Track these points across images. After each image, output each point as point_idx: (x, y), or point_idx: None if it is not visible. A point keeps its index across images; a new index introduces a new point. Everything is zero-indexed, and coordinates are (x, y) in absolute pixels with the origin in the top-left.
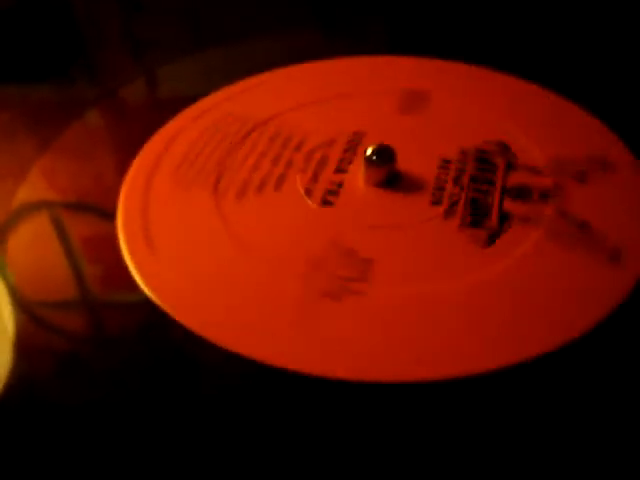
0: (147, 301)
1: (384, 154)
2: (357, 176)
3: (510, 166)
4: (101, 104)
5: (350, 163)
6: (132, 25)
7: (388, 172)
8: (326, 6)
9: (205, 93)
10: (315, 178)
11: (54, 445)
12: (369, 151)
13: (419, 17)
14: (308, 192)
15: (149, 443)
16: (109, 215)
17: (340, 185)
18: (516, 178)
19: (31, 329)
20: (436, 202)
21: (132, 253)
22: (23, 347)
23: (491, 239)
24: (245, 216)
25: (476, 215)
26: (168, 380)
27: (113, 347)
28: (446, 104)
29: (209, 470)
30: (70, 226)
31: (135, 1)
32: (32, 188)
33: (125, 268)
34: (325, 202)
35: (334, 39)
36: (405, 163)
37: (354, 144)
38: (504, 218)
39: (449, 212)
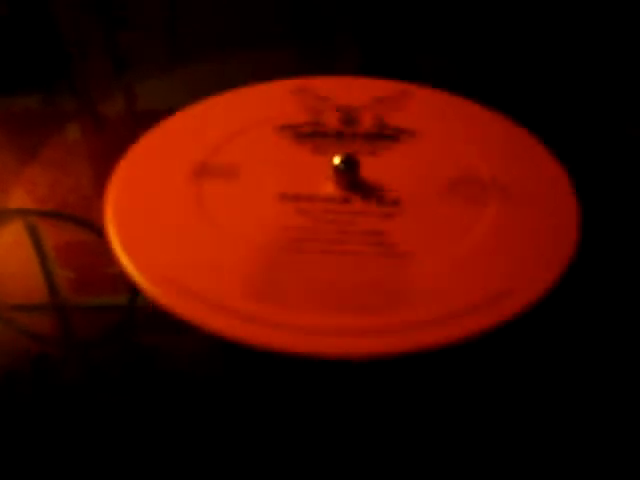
0: (119, 306)
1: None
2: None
3: None
4: (81, 117)
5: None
6: (114, 41)
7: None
8: (304, 24)
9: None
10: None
11: (24, 445)
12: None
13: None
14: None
15: (118, 445)
16: (84, 223)
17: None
18: None
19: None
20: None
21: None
22: None
23: None
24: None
25: None
26: (138, 383)
27: (83, 350)
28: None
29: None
30: (46, 234)
31: (120, 17)
32: (11, 197)
33: (97, 274)
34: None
35: (309, 56)
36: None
37: None
38: None
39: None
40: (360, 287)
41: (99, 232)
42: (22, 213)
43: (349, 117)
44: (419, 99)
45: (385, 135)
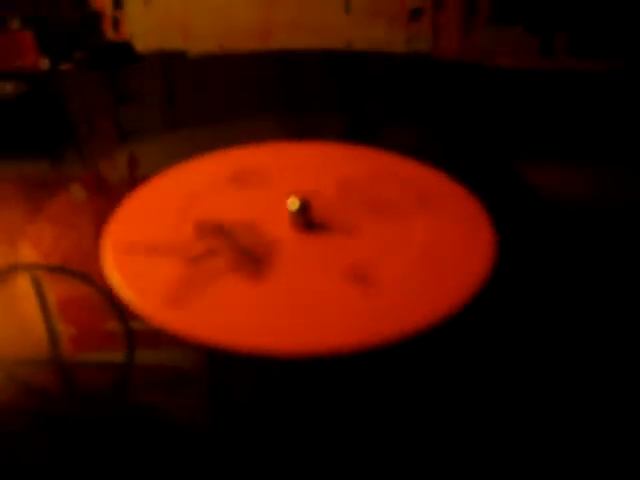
0: (120, 364)
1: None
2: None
3: None
4: (85, 180)
5: None
6: (117, 114)
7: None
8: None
9: None
10: None
11: None
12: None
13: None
14: None
15: None
16: (85, 278)
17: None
18: None
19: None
20: None
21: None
22: None
23: None
24: None
25: None
26: (135, 441)
27: (86, 406)
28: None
29: None
30: (49, 288)
31: (122, 94)
32: (18, 250)
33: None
34: None
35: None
36: None
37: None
38: None
39: None
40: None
41: (98, 287)
42: (28, 268)
43: None
44: None
45: None
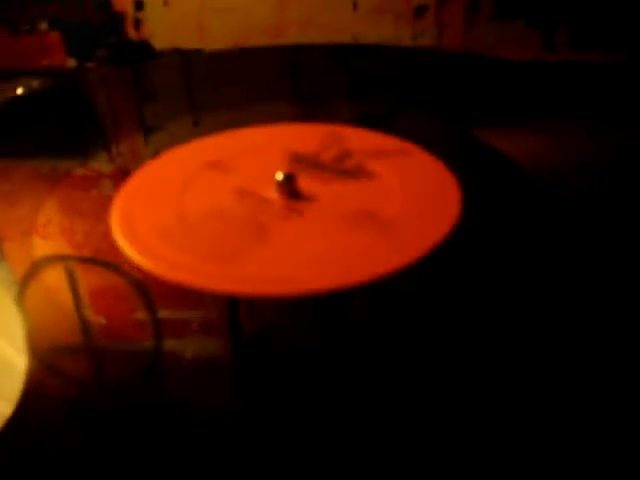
0: (148, 353)
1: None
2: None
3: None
4: (114, 176)
5: None
6: (142, 112)
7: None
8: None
9: None
10: None
11: None
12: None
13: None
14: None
15: None
16: (115, 268)
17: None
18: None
19: (41, 372)
20: None
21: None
22: (33, 389)
23: None
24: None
25: None
26: (164, 429)
27: (118, 394)
28: None
29: None
30: (82, 278)
31: (144, 90)
32: (53, 243)
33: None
34: None
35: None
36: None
37: None
38: None
39: None
40: None
41: (127, 276)
42: (62, 259)
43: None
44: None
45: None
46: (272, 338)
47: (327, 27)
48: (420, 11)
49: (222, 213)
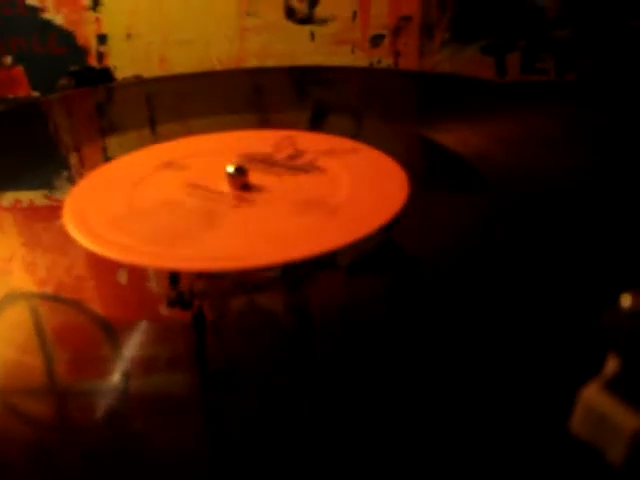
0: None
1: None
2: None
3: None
4: None
5: None
6: (103, 139)
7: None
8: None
9: None
10: None
11: None
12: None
13: None
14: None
15: None
16: (78, 306)
17: None
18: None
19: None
20: None
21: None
22: None
23: None
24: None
25: None
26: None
27: (80, 435)
28: None
29: None
30: (44, 315)
31: (109, 124)
32: (15, 278)
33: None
34: None
35: None
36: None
37: None
38: None
39: None
40: None
41: (91, 314)
42: (26, 297)
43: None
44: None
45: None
46: (239, 371)
47: (285, 57)
48: (376, 40)
49: (173, 203)
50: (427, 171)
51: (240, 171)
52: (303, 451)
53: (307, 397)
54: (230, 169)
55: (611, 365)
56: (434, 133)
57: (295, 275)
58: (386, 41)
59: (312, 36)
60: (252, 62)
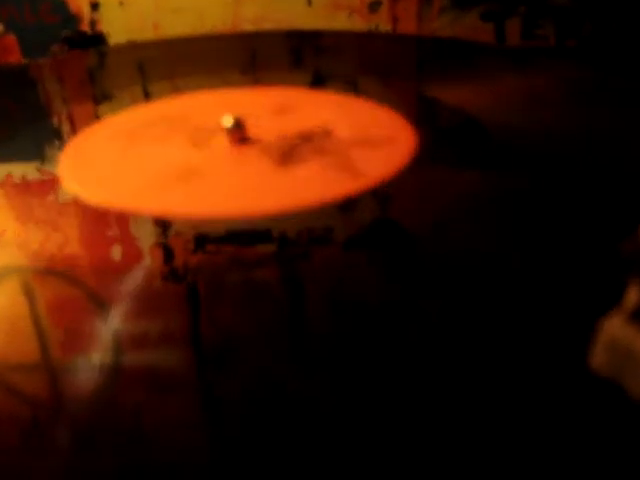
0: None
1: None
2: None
3: None
4: None
5: None
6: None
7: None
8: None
9: None
10: None
11: None
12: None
13: None
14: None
15: None
16: (72, 279)
17: None
18: None
19: None
20: None
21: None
22: None
23: None
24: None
25: None
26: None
27: (73, 412)
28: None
29: None
30: (38, 291)
31: (104, 93)
32: (7, 252)
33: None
34: None
35: None
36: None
37: None
38: None
39: None
40: None
41: (85, 288)
42: (18, 271)
43: None
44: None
45: None
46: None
47: (282, 23)
48: (374, 6)
49: (166, 155)
50: (431, 126)
51: (238, 124)
52: (298, 431)
53: (300, 375)
54: (228, 122)
55: (633, 295)
56: (435, 92)
57: (291, 251)
58: (384, 7)
59: (309, 1)
60: (248, 28)
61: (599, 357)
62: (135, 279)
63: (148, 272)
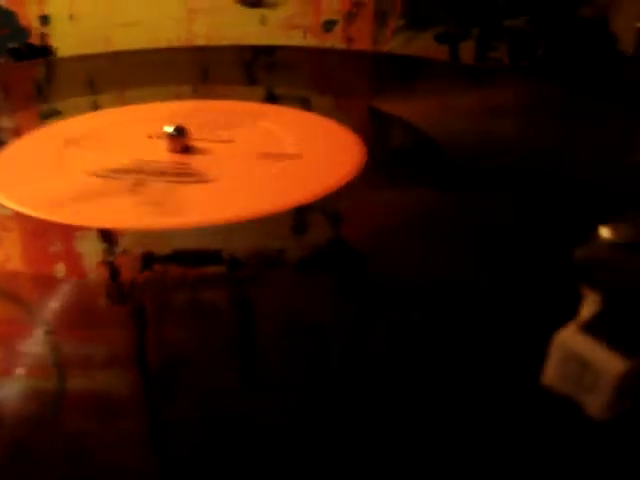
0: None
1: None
2: None
3: None
4: None
5: None
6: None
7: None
8: None
9: None
10: None
11: None
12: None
13: None
14: None
15: None
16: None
17: None
18: None
19: None
20: None
21: None
22: None
23: None
24: None
25: None
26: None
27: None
28: None
29: None
30: None
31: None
32: None
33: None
34: None
35: None
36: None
37: None
38: None
39: None
40: None
41: (28, 308)
42: None
43: None
44: None
45: None
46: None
47: (235, 40)
48: (328, 25)
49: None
50: (379, 138)
51: (180, 131)
52: (247, 454)
53: (250, 398)
54: (169, 129)
55: (588, 305)
56: (386, 106)
57: (242, 271)
58: (339, 27)
59: (263, 20)
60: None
61: (552, 371)
62: (77, 297)
63: (92, 290)
